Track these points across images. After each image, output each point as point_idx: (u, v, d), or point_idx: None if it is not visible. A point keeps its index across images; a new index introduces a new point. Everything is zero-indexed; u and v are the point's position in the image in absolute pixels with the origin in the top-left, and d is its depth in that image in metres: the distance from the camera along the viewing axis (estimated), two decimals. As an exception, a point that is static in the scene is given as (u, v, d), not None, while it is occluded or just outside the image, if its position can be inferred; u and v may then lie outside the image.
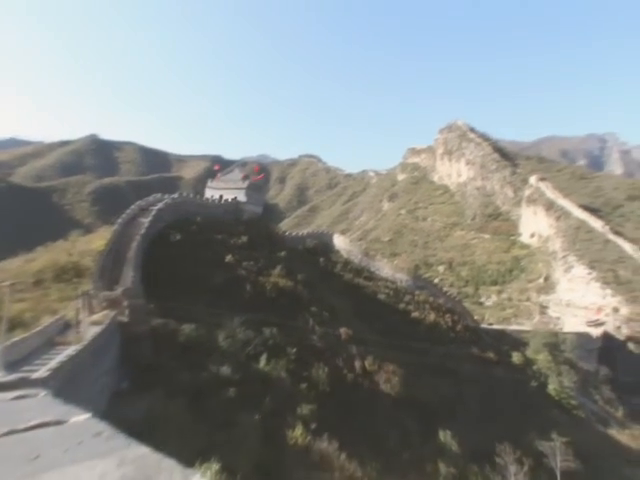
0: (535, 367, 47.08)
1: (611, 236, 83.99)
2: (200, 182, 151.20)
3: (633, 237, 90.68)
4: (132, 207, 36.45)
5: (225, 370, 20.01)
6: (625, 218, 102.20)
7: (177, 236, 31.05)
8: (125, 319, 23.54)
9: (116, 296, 25.45)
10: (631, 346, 63.74)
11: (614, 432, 44.07)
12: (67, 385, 10.43)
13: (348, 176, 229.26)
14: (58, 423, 1.60)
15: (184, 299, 27.18)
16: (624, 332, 66.79)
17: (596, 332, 63.92)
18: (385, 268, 52.65)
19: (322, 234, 61.48)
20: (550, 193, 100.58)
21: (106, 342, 17.03)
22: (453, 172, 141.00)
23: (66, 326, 19.78)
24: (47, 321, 17.84)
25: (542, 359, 49.63)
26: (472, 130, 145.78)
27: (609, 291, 74.42)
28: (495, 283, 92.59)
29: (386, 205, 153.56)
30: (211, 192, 42.28)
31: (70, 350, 12.86)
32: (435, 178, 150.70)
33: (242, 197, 41.23)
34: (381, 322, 36.22)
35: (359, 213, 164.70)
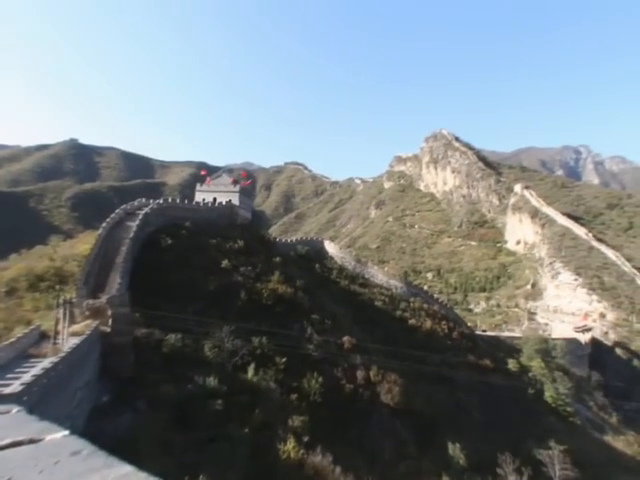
0: (530, 374, 46.75)
1: (595, 243, 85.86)
2: (186, 188, 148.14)
3: (615, 244, 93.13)
4: (117, 211, 34.55)
5: (211, 382, 18.74)
6: (606, 226, 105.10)
7: (168, 240, 29.32)
8: (108, 329, 22.03)
9: (100, 305, 23.65)
10: (619, 351, 64.61)
11: (609, 439, 43.97)
12: (42, 400, 9.70)
13: (334, 184, 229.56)
14: (32, 442, 1.49)
15: (174, 307, 25.55)
16: (611, 337, 67.77)
17: (584, 338, 64.51)
18: (379, 275, 51.76)
19: (312, 241, 60.29)
20: (534, 201, 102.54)
21: (86, 354, 15.76)
22: (439, 180, 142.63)
23: (42, 337, 18.15)
24: (20, 332, 16.26)
25: (536, 366, 49.43)
26: (457, 139, 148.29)
27: (595, 297, 75.70)
28: (483, 290, 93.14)
29: (373, 212, 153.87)
30: (202, 195, 40.61)
31: (46, 363, 11.77)
32: (421, 186, 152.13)
33: (236, 200, 39.75)
34: (381, 330, 35.18)
35: (346, 220, 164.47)
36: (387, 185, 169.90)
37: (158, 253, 29.63)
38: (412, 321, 42.49)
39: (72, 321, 20.64)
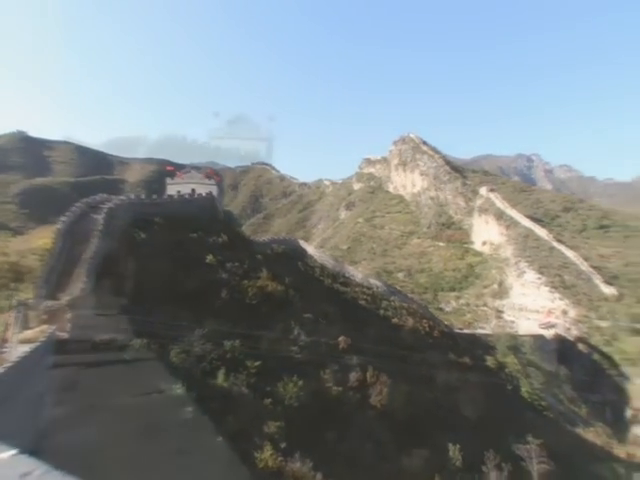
0: (507, 370, 47.62)
1: (555, 244, 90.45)
2: (150, 184, 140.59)
3: (572, 245, 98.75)
4: (78, 204, 31.07)
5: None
6: (562, 227, 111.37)
7: (142, 235, 26.45)
8: (65, 335, 19.48)
9: (59, 307, 20.84)
10: (581, 346, 67.94)
11: (581, 430, 45.63)
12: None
13: (303, 185, 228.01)
14: None
15: (146, 308, 23.02)
16: (573, 333, 71.21)
17: (549, 334, 67.26)
18: (358, 274, 50.85)
19: (287, 240, 58.65)
20: (499, 203, 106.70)
21: (37, 363, 14.09)
22: (408, 182, 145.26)
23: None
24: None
25: (511, 362, 50.50)
26: (424, 143, 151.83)
27: (557, 295, 79.46)
28: (453, 289, 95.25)
29: (343, 214, 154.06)
30: (177, 188, 37.41)
31: (-12, 375, 10.08)
32: (390, 188, 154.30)
33: (215, 193, 37.06)
34: (370, 329, 34.03)
35: (317, 221, 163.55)
36: (357, 187, 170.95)
37: (130, 249, 26.73)
38: (395, 320, 41.83)
39: (25, 326, 17.98)
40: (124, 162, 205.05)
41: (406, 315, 44.31)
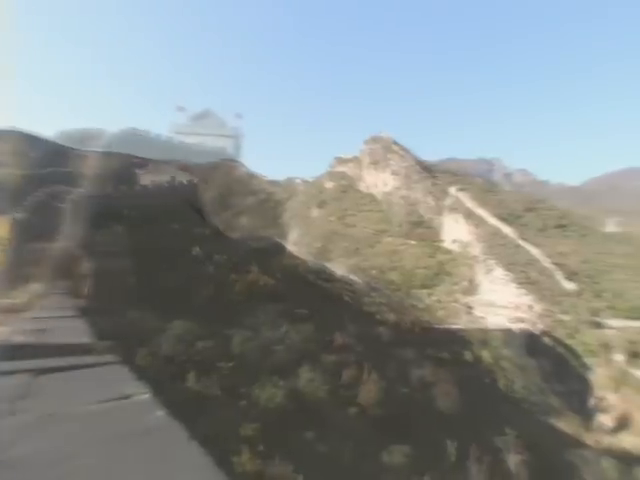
0: (484, 364, 48.49)
1: (520, 242, 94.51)
2: (112, 178, 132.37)
3: (535, 242, 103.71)
4: (37, 194, 27.96)
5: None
6: (525, 226, 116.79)
7: (110, 228, 23.89)
8: (22, 338, 16.92)
9: (14, 306, 18.39)
10: (546, 339, 71.05)
11: (553, 420, 47.24)
12: None
13: (273, 183, 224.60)
14: None
15: (119, 307, 20.68)
16: (539, 327, 74.43)
17: (519, 328, 69.81)
18: (339, 270, 49.97)
19: (263, 237, 57.06)
20: (468, 203, 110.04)
21: None
22: (379, 182, 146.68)
23: None
24: None
25: (486, 356, 51.50)
26: (395, 143, 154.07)
27: (523, 291, 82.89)
28: (425, 287, 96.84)
29: (315, 212, 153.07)
30: (152, 177, 34.54)
31: None
32: (362, 187, 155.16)
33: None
34: (353, 325, 33.05)
35: (288, 219, 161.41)
36: (328, 185, 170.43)
37: (96, 244, 24.09)
38: (378, 316, 41.25)
39: (-25, 328, 15.27)
40: (81, 155, 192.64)
41: (388, 311, 44.03)
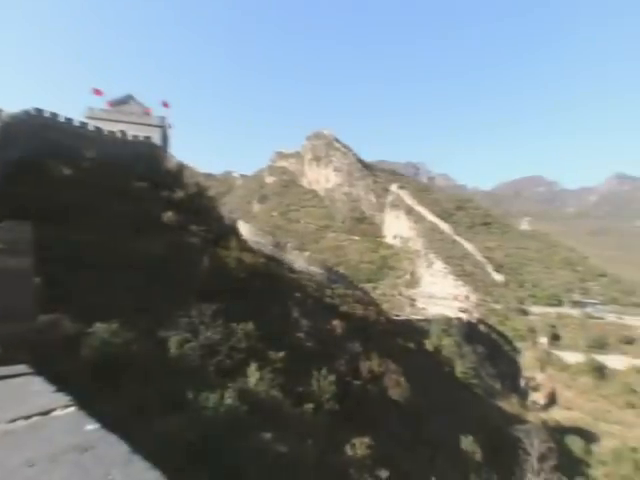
0: (443, 353, 49.94)
1: (456, 237, 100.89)
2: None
3: (466, 238, 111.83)
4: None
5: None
6: (457, 224, 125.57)
7: (65, 171, 18.82)
8: None
9: None
10: (482, 327, 76.43)
11: (494, 400, 50.46)
12: None
13: (209, 176, 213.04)
14: None
15: (88, 279, 16.49)
16: (475, 316, 79.87)
17: (463, 317, 74.15)
18: (299, 260, 47.59)
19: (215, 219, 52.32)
20: (408, 200, 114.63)
21: None
22: (321, 178, 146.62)
23: None
24: None
25: (446, 344, 53.14)
26: (337, 140, 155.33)
27: (460, 282, 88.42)
28: (369, 281, 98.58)
29: (256, 207, 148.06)
30: (99, 125, 28.01)
31: None
32: (304, 182, 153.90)
33: (158, 139, 29.28)
34: (318, 317, 31.10)
35: (228, 213, 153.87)
36: (269, 180, 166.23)
37: (47, 191, 18.80)
38: (344, 307, 39.80)
39: None
40: None
41: (352, 303, 42.90)
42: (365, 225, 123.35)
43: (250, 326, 19.39)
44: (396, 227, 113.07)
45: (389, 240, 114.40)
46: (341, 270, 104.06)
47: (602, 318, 74.28)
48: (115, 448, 1.66)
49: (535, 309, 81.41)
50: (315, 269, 48.07)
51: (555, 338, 71.83)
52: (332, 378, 27.29)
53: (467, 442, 34.47)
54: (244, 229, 47.42)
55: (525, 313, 79.35)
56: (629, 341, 66.37)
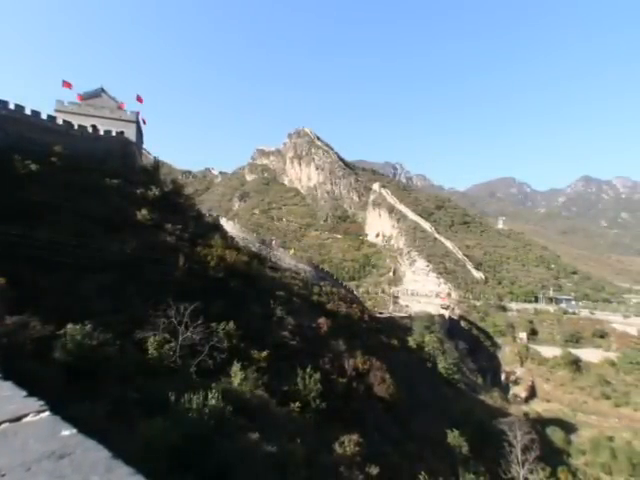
0: (426, 349, 50.19)
1: (437, 236, 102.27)
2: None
3: (447, 236, 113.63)
4: None
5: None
6: (437, 223, 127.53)
7: (31, 166, 17.40)
8: None
9: None
10: (463, 323, 77.72)
11: (476, 394, 51.20)
12: None
13: (187, 173, 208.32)
14: None
15: (57, 278, 15.31)
16: (457, 312, 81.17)
17: (446, 314, 75.12)
18: (286, 258, 46.72)
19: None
20: (390, 199, 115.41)
21: None
22: (303, 176, 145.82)
23: None
24: None
25: (429, 340, 53.45)
26: (318, 138, 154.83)
27: (442, 280, 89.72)
28: (353, 279, 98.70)
29: (237, 205, 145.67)
30: (70, 119, 26.30)
31: None
32: (286, 180, 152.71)
33: (132, 135, 27.79)
34: (304, 316, 30.46)
35: (206, 211, 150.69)
36: (249, 178, 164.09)
37: (12, 187, 17.36)
38: (329, 305, 39.28)
39: None
40: None
41: (338, 300, 42.44)
42: (347, 223, 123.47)
43: (231, 325, 18.62)
44: (378, 225, 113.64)
45: (371, 238, 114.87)
46: (325, 268, 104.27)
47: (576, 313, 76.95)
48: (94, 453, 1.38)
49: (514, 305, 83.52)
50: (303, 266, 47.33)
51: (533, 333, 73.80)
52: (317, 376, 26.78)
53: (453, 436, 34.61)
54: (229, 227, 46.13)
55: (504, 309, 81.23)
56: (602, 335, 68.99)
